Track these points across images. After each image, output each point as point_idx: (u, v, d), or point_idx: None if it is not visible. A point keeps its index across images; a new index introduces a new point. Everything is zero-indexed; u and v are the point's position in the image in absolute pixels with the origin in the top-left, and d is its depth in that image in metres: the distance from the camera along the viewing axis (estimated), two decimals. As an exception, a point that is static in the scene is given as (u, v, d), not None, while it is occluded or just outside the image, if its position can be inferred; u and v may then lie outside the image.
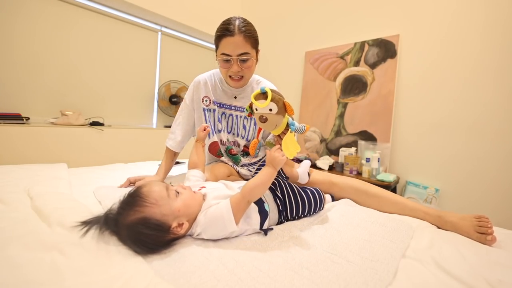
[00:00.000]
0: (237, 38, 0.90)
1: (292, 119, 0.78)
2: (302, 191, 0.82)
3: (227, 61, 0.94)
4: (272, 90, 0.73)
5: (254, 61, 0.98)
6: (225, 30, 0.91)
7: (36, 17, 1.76)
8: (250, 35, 0.93)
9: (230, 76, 0.99)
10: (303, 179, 1.01)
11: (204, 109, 1.10)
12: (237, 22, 0.92)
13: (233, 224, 0.61)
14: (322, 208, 0.85)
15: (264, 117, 0.73)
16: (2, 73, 1.66)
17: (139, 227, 0.55)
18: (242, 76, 0.99)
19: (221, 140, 1.12)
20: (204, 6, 2.56)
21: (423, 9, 1.83)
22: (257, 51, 1.00)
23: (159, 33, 2.46)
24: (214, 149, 1.12)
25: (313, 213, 0.83)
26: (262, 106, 0.71)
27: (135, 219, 0.56)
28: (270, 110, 0.71)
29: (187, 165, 0.91)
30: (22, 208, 0.74)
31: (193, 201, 0.65)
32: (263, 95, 0.72)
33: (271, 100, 0.71)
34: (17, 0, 1.69)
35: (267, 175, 0.65)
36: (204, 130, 0.92)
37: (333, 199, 0.99)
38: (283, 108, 0.73)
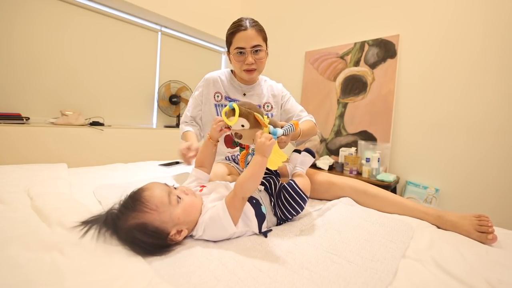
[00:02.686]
0: (250, 32, 1.00)
1: (274, 126, 0.72)
2: (281, 192, 0.76)
3: (242, 54, 1.02)
4: (242, 104, 0.69)
5: (265, 53, 1.07)
6: (238, 26, 1.01)
7: (36, 17, 1.76)
8: (261, 29, 1.04)
9: (244, 70, 1.05)
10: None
11: (215, 105, 1.15)
12: (247, 20, 1.02)
13: (231, 224, 0.60)
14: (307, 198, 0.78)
15: (238, 134, 0.71)
16: (2, 73, 1.66)
17: (136, 232, 0.55)
18: (255, 69, 1.06)
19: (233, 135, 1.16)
20: (204, 6, 2.56)
21: (423, 9, 1.83)
22: (266, 46, 1.08)
23: (159, 33, 2.46)
24: (229, 141, 1.16)
25: (302, 208, 0.77)
26: (231, 124, 0.68)
27: (134, 224, 0.55)
28: (243, 126, 0.68)
29: (194, 161, 0.87)
30: (22, 208, 0.74)
31: (194, 208, 0.64)
32: (233, 111, 0.68)
33: (240, 116, 0.67)
34: (16, 1, 1.69)
35: (256, 166, 0.61)
36: (220, 131, 0.78)
37: (313, 154, 0.93)
38: (256, 122, 0.69)
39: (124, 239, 0.56)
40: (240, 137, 0.71)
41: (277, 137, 0.70)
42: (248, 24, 1.01)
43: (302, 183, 0.79)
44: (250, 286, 0.46)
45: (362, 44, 2.09)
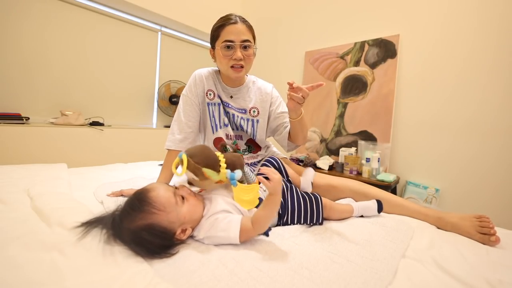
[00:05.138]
0: (240, 26, 0.94)
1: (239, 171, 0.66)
2: (302, 198, 0.77)
3: (230, 48, 0.95)
4: (193, 155, 0.63)
5: (254, 51, 1.00)
6: (227, 20, 0.95)
7: (36, 18, 1.77)
8: (251, 26, 0.99)
9: (232, 67, 0.97)
10: (305, 188, 0.94)
11: (208, 104, 1.07)
12: (237, 16, 0.97)
13: (237, 242, 0.60)
14: (321, 222, 0.76)
15: (190, 182, 0.68)
16: (2, 73, 1.66)
17: (143, 233, 0.54)
18: (243, 66, 0.98)
19: (227, 135, 1.09)
20: (204, 6, 2.56)
21: (423, 9, 1.83)
22: (255, 44, 1.01)
23: (159, 33, 2.47)
24: (219, 145, 1.09)
25: (310, 223, 0.76)
26: (179, 175, 0.62)
27: (141, 225, 0.55)
28: (194, 178, 0.64)
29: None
30: (22, 208, 0.74)
31: (198, 207, 0.64)
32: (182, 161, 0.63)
33: (189, 169, 0.62)
34: (17, 0, 1.69)
35: (272, 205, 0.60)
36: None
37: (380, 209, 0.86)
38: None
39: (129, 240, 0.55)
40: (191, 184, 0.68)
41: (236, 180, 0.64)
42: (238, 19, 0.95)
43: (327, 205, 0.79)
44: (250, 286, 0.46)
45: (362, 44, 2.09)
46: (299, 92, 0.83)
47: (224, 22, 0.95)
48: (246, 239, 0.61)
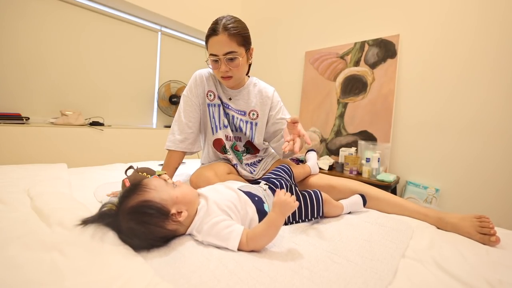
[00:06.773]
0: (221, 37, 0.90)
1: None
2: (302, 195, 0.78)
3: (216, 61, 0.94)
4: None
5: (242, 59, 0.95)
6: (211, 30, 0.92)
7: (36, 18, 1.77)
8: (236, 32, 0.91)
9: (222, 77, 0.98)
10: (315, 170, 1.11)
11: (208, 104, 1.07)
12: (223, 21, 0.91)
13: (235, 249, 0.59)
14: (322, 215, 0.78)
15: None
16: (2, 73, 1.66)
17: (141, 208, 0.57)
18: (231, 76, 0.97)
19: (227, 136, 1.09)
20: (204, 6, 2.56)
21: (423, 9, 1.83)
22: (247, 49, 0.97)
23: (159, 33, 2.47)
24: (219, 146, 1.09)
25: (311, 219, 0.78)
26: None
27: (137, 201, 0.58)
28: None
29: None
30: (22, 208, 0.74)
31: (191, 192, 0.67)
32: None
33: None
34: (17, 0, 1.69)
35: (272, 225, 0.58)
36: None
37: (365, 202, 0.90)
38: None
39: (128, 219, 0.57)
40: None
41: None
42: (221, 27, 0.89)
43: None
44: (250, 286, 0.46)
45: (362, 44, 2.09)
46: (295, 131, 0.82)
47: (209, 33, 0.93)
48: (242, 248, 0.59)
